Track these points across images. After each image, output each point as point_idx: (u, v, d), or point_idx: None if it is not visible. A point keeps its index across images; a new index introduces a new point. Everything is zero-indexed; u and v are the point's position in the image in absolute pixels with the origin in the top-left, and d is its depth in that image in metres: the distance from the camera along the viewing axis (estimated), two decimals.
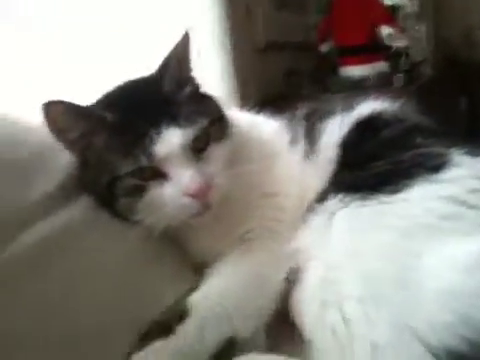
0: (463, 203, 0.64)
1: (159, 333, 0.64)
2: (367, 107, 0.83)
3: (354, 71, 1.96)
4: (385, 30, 1.93)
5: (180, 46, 0.76)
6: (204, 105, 0.77)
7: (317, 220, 0.72)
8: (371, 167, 0.72)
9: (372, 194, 0.68)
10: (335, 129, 0.82)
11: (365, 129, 0.80)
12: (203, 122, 0.73)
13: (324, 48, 2.07)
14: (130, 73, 0.82)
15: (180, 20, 1.47)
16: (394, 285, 0.60)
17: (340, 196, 0.71)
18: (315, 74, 2.08)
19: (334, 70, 2.04)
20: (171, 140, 0.69)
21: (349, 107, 0.84)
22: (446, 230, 0.62)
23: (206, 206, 0.71)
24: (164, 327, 0.64)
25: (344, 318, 0.61)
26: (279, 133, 0.87)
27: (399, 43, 2.03)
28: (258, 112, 0.93)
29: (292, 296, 0.70)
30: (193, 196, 0.69)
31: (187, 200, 0.69)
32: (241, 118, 0.86)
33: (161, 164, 0.69)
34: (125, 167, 0.69)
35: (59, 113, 0.68)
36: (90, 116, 0.71)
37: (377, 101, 0.85)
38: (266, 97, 1.98)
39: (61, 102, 0.68)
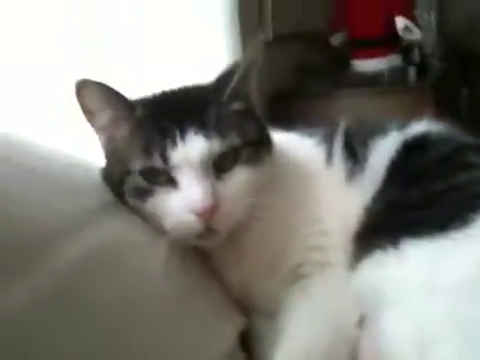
0: None
1: None
2: (416, 127, 0.76)
3: (368, 65, 1.87)
4: (401, 22, 1.84)
5: (251, 53, 0.71)
6: (246, 125, 0.69)
7: (381, 257, 0.63)
8: (427, 193, 0.66)
9: (440, 231, 0.61)
10: (384, 150, 0.74)
11: (412, 149, 0.73)
12: (235, 140, 0.66)
13: (335, 40, 1.97)
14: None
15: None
16: None
17: (404, 231, 0.63)
18: (327, 68, 1.99)
19: (346, 64, 1.94)
20: (193, 148, 0.63)
21: (400, 126, 0.77)
22: None
23: (211, 230, 0.64)
24: None
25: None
26: (315, 153, 0.80)
27: (413, 36, 1.94)
28: (287, 128, 0.85)
29: (366, 345, 0.63)
30: (197, 214, 0.62)
31: (191, 217, 0.62)
32: (276, 138, 0.77)
33: (175, 170, 0.64)
34: (138, 163, 0.64)
35: (91, 93, 0.65)
36: (120, 103, 0.67)
37: (423, 121, 0.78)
38: (277, 93, 1.90)
39: (95, 82, 0.65)
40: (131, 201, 0.66)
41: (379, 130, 0.77)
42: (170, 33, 1.35)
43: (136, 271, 0.59)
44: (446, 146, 0.72)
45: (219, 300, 0.70)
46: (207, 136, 0.63)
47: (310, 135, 0.82)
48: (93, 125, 0.69)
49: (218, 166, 0.65)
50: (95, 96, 0.66)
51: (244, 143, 0.67)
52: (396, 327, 0.59)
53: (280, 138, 0.78)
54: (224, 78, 0.70)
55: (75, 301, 0.50)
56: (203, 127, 0.64)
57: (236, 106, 0.69)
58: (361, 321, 0.65)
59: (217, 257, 0.72)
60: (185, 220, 0.63)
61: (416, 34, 1.98)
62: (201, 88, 0.72)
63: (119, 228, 0.62)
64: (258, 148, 0.69)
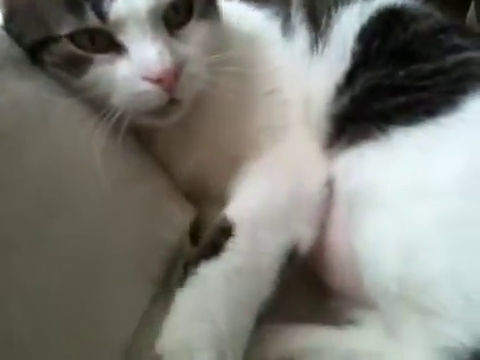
0: None
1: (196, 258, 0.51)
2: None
3: None
4: None
5: None
6: None
7: (367, 151, 0.57)
8: (414, 75, 0.60)
9: (428, 117, 0.56)
10: (351, 19, 0.66)
11: (389, 21, 0.65)
12: None
13: None
14: None
15: None
16: (476, 221, 0.50)
17: (391, 118, 0.57)
18: None
19: None
20: None
21: None
22: None
23: (173, 101, 0.53)
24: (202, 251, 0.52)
25: (431, 268, 0.50)
26: (268, 25, 0.71)
27: None
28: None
29: (337, 242, 0.58)
30: (155, 81, 0.51)
31: (148, 86, 0.51)
32: (224, 7, 0.66)
33: (117, 30, 0.51)
34: (66, 26, 0.51)
35: None
36: None
37: None
38: None
39: None
40: (57, 73, 0.53)
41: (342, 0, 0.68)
42: None
43: (66, 144, 0.47)
44: (428, 24, 0.65)
45: (168, 188, 0.61)
46: None
47: (259, 8, 0.73)
48: None
49: (169, 21, 0.54)
50: None
51: None
52: (379, 229, 0.54)
53: (227, 6, 0.67)
54: None
55: None
56: None
57: None
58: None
59: (164, 143, 0.62)
60: (141, 91, 0.51)
61: None
62: None
63: (37, 91, 0.48)
64: (208, 1, 0.59)
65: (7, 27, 0.55)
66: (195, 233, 0.64)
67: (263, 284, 0.52)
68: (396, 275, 0.51)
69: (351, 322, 0.57)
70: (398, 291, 0.51)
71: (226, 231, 0.53)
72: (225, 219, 0.54)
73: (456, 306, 0.49)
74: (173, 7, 0.54)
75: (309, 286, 0.60)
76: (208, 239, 0.54)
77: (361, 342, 0.54)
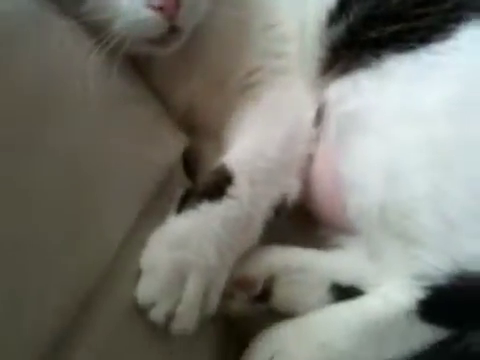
0: None
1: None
2: None
3: None
4: None
5: None
6: None
7: (361, 78, 0.58)
8: (407, 3, 0.60)
9: (421, 45, 0.57)
10: None
11: None
12: None
13: None
14: None
15: None
16: (463, 149, 0.51)
17: (385, 46, 0.58)
18: None
19: None
20: None
21: None
22: None
23: (173, 28, 0.55)
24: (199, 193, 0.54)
25: (414, 192, 0.51)
26: None
27: None
28: None
29: (324, 169, 0.60)
30: (158, 8, 0.53)
31: (150, 14, 0.53)
32: None
33: None
34: None
35: None
36: None
37: None
38: None
39: None
40: (59, 2, 0.53)
41: None
42: None
43: (56, 62, 0.47)
44: None
45: (162, 114, 0.62)
46: None
47: None
48: None
49: None
50: None
51: None
52: (367, 154, 0.56)
53: None
54: None
55: None
56: None
57: None
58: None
59: (161, 73, 0.63)
60: (142, 18, 0.53)
61: None
62: None
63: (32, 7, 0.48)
64: None
65: None
66: (189, 163, 0.66)
67: (253, 233, 0.55)
68: (379, 200, 0.53)
69: (336, 247, 0.59)
70: (381, 217, 0.53)
71: (228, 178, 0.55)
72: (226, 166, 0.57)
73: (438, 232, 0.50)
74: None
75: (297, 215, 0.62)
76: (211, 180, 0.56)
77: (343, 264, 0.57)
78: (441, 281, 0.49)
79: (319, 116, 0.62)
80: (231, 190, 0.54)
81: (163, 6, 0.52)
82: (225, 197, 0.53)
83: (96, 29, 0.53)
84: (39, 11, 0.50)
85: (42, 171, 0.42)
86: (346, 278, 0.55)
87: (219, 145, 0.63)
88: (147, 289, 0.47)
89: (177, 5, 0.53)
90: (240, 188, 0.54)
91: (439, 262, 0.50)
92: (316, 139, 0.61)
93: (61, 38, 0.50)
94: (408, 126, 0.54)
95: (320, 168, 0.60)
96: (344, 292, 0.55)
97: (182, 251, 0.49)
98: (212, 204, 0.53)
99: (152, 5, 0.52)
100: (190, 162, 0.66)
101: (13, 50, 0.44)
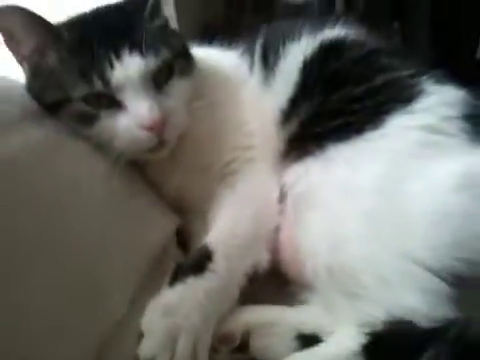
0: (439, 131, 0.66)
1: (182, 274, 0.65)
2: (329, 32, 0.81)
3: None
4: None
5: None
6: (170, 39, 0.74)
7: (311, 163, 0.71)
8: (346, 99, 0.72)
9: (356, 134, 0.69)
10: (296, 53, 0.79)
11: (326, 52, 0.78)
12: (167, 54, 0.71)
13: None
14: None
15: None
16: (390, 219, 0.62)
17: (328, 138, 0.70)
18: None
19: None
20: (131, 67, 0.67)
21: (312, 31, 0.81)
22: (427, 157, 0.64)
23: (162, 142, 0.69)
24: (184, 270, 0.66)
25: (353, 257, 0.62)
26: (239, 63, 0.86)
27: None
28: (210, 43, 0.90)
29: (288, 238, 0.72)
30: (149, 129, 0.67)
31: (142, 133, 0.67)
32: (200, 54, 0.82)
33: (117, 92, 0.67)
34: (78, 90, 0.66)
35: (15, 20, 0.65)
36: (46, 29, 0.68)
37: (338, 26, 0.82)
38: (207, 26, 1.91)
39: (19, 8, 0.64)
40: (74, 127, 0.68)
41: (292, 36, 0.81)
42: None
43: (71, 173, 0.63)
44: (361, 50, 0.77)
45: (156, 201, 0.77)
46: (141, 54, 0.67)
47: (232, 48, 0.88)
48: (15, 53, 0.69)
49: (156, 81, 0.70)
50: (20, 23, 0.65)
51: (174, 56, 0.72)
52: (315, 226, 0.67)
53: (202, 53, 0.83)
54: None
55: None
56: (136, 46, 0.67)
57: (158, 22, 0.74)
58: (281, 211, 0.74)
59: (154, 168, 0.78)
60: (137, 137, 0.67)
61: None
62: (121, 8, 0.75)
63: (49, 135, 0.64)
64: (186, 59, 0.76)
65: (28, 87, 0.71)
66: (182, 238, 0.80)
67: (231, 298, 0.66)
68: (326, 264, 0.64)
69: (302, 302, 0.70)
70: (329, 277, 0.64)
71: (208, 256, 0.66)
72: (206, 245, 0.68)
73: (374, 289, 0.61)
74: (159, 70, 0.70)
75: (271, 276, 0.73)
76: (195, 258, 0.68)
77: (306, 317, 0.68)
78: (378, 328, 0.60)
79: (282, 194, 0.74)
80: (211, 265, 0.65)
81: (153, 127, 0.67)
82: (207, 271, 0.64)
83: (102, 145, 0.69)
84: (60, 136, 0.66)
85: (60, 258, 0.55)
86: (308, 328, 0.66)
87: (205, 223, 0.76)
88: (147, 348, 0.59)
89: (164, 124, 0.68)
90: (218, 263, 0.65)
91: (376, 312, 0.60)
92: (281, 213, 0.74)
93: (71, 154, 0.66)
94: (346, 201, 0.65)
95: (285, 236, 0.73)
96: (307, 340, 0.65)
97: (173, 318, 0.60)
98: (196, 278, 0.64)
99: (144, 126, 0.67)
100: (184, 237, 0.81)
101: (42, 167, 0.59)
